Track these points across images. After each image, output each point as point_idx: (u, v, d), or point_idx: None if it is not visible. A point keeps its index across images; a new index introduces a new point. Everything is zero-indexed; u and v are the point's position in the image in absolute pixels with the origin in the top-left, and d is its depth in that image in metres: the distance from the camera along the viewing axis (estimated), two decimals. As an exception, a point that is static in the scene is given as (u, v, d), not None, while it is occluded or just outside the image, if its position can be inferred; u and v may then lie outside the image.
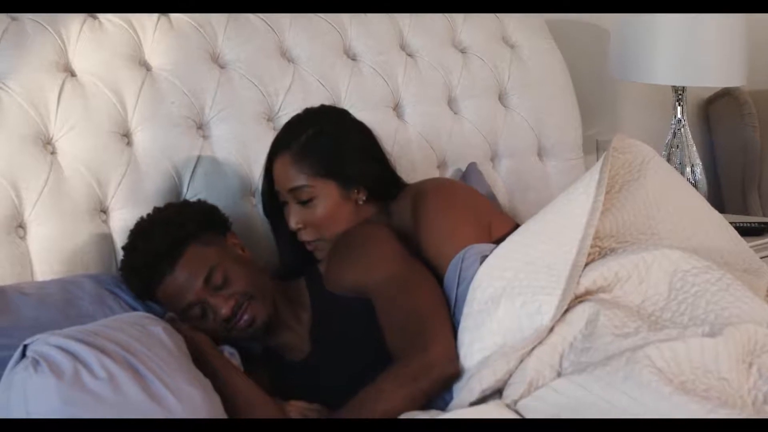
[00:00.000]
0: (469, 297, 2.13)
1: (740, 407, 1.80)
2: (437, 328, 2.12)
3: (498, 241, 2.22)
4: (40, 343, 1.94)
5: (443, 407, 2.04)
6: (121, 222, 2.40)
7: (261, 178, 2.49)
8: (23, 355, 1.94)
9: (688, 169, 3.35)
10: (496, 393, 1.99)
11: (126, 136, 2.47)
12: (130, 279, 2.28)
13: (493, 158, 3.08)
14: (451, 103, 3.02)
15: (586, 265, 2.10)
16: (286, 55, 2.75)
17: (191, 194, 2.50)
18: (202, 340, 2.19)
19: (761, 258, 2.40)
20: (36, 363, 1.90)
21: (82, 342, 1.94)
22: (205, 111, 2.58)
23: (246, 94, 2.64)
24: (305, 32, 2.78)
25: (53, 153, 2.37)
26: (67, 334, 1.97)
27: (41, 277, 2.31)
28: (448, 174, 2.95)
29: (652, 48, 3.20)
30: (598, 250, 2.19)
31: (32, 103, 2.34)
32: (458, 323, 2.14)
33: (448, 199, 2.36)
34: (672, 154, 3.36)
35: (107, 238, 2.40)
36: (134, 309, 2.27)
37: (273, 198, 2.44)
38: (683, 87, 3.35)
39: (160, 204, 2.38)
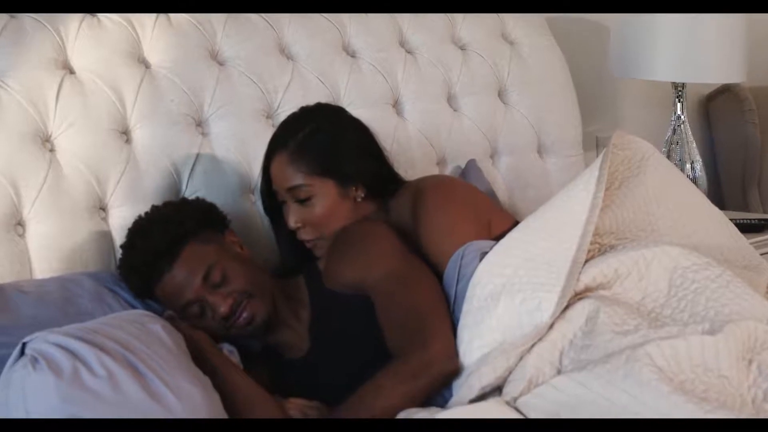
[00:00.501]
0: (468, 294, 2.13)
1: (739, 406, 1.80)
2: (437, 325, 2.12)
3: (497, 238, 2.22)
4: (39, 341, 1.93)
5: (442, 404, 2.04)
6: (120, 219, 2.40)
7: (260, 176, 2.49)
8: (22, 353, 1.93)
9: (688, 166, 3.35)
10: (496, 390, 1.99)
11: (125, 134, 2.47)
12: (128, 277, 2.28)
13: (493, 155, 3.07)
14: (450, 100, 3.01)
15: (586, 261, 2.10)
16: (285, 52, 2.75)
17: (190, 192, 2.50)
18: (201, 338, 2.19)
19: (761, 255, 2.40)
20: (35, 361, 1.90)
21: (81, 340, 1.94)
22: (204, 108, 2.58)
23: (245, 91, 2.64)
24: (304, 29, 2.78)
25: (52, 150, 2.36)
26: (66, 332, 1.96)
27: (40, 274, 2.31)
28: (448, 171, 2.95)
29: (652, 45, 3.20)
30: (597, 247, 2.19)
31: (31, 101, 2.34)
32: (457, 320, 2.14)
33: (447, 196, 2.36)
34: (672, 150, 3.35)
35: (106, 236, 2.40)
36: (133, 307, 2.27)
37: (271, 197, 2.44)
38: (683, 83, 3.35)
39: (159, 201, 2.38)
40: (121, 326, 2.02)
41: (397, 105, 2.91)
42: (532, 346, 1.99)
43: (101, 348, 1.93)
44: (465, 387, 1.99)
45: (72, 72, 2.42)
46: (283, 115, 2.57)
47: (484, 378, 1.98)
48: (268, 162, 2.42)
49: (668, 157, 3.30)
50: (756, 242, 3.08)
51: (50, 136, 2.37)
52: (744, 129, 3.91)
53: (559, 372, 1.95)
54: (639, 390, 1.78)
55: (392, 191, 2.44)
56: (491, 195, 2.78)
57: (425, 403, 2.04)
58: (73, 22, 2.43)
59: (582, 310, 2.01)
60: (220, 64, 2.63)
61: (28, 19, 2.38)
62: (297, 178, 2.37)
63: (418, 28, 2.99)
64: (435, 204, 2.32)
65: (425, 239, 2.29)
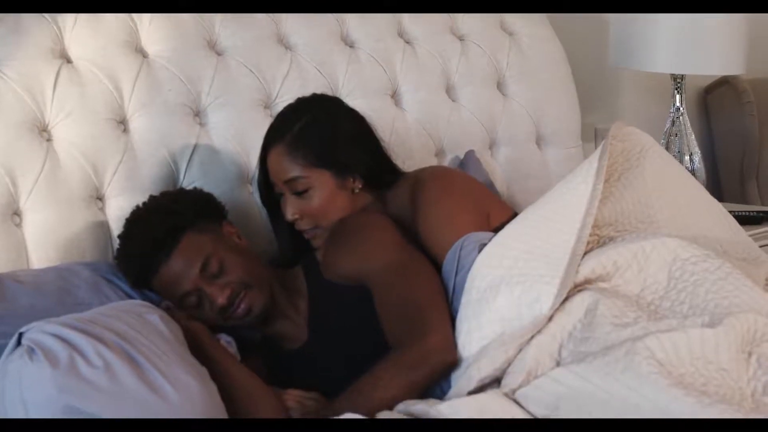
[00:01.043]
0: (467, 285, 2.13)
1: (739, 400, 1.79)
2: (435, 316, 2.11)
3: (496, 230, 2.22)
4: (36, 331, 1.93)
5: (441, 396, 2.04)
6: (118, 209, 2.39)
7: (257, 167, 2.48)
8: (19, 343, 1.93)
9: (687, 158, 3.34)
10: (495, 382, 1.99)
11: (122, 124, 2.46)
12: (126, 267, 2.27)
13: (492, 146, 3.07)
14: (449, 90, 3.01)
15: (585, 253, 2.10)
16: (283, 42, 2.74)
17: (188, 182, 2.50)
18: (199, 328, 2.18)
19: (760, 247, 2.39)
20: (31, 351, 1.90)
21: (78, 330, 1.93)
22: (201, 98, 2.57)
23: (243, 81, 2.63)
24: (303, 19, 2.77)
25: (49, 140, 2.36)
26: (63, 322, 1.96)
27: (37, 264, 2.30)
28: (446, 162, 2.94)
29: (652, 36, 3.20)
30: (596, 239, 2.18)
31: (28, 90, 2.33)
32: (456, 312, 2.13)
33: (446, 187, 2.35)
34: (670, 142, 3.35)
35: (103, 226, 2.40)
36: (130, 297, 2.26)
37: (269, 188, 2.43)
38: (682, 75, 3.35)
39: (157, 192, 2.38)
40: (118, 316, 2.01)
41: (395, 95, 2.90)
42: (531, 338, 1.98)
43: (98, 338, 1.93)
44: (464, 378, 1.99)
45: (69, 61, 2.41)
46: (281, 105, 2.56)
47: (483, 370, 1.98)
48: (265, 154, 2.41)
49: (667, 148, 3.29)
50: (754, 234, 3.08)
51: (47, 126, 2.36)
52: (743, 121, 3.91)
53: (558, 364, 1.95)
54: (638, 383, 1.78)
55: (390, 182, 2.43)
56: (490, 186, 2.78)
57: (423, 395, 2.03)
58: (70, 11, 2.43)
59: (581, 302, 2.00)
60: (218, 53, 2.63)
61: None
62: (294, 171, 2.36)
63: (417, 18, 2.98)
64: (434, 195, 2.32)
65: (424, 230, 2.29)
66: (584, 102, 3.29)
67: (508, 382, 1.95)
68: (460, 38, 3.06)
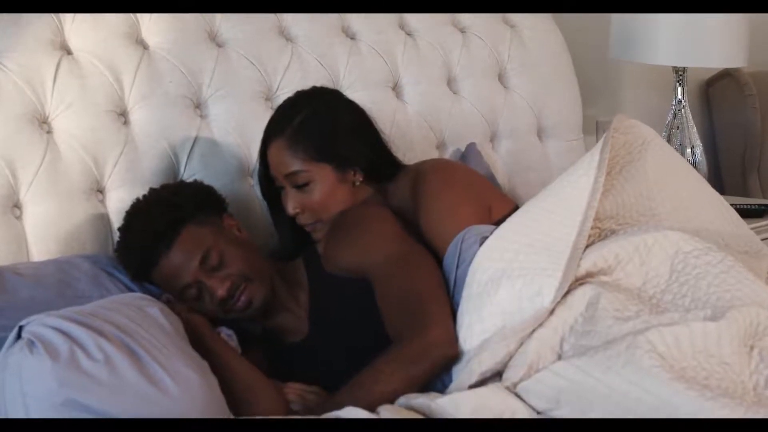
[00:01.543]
0: (468, 279, 2.12)
1: (741, 394, 1.79)
2: (436, 309, 2.11)
3: (498, 223, 2.21)
4: (36, 324, 1.92)
5: (442, 390, 2.03)
6: (118, 202, 2.39)
7: (258, 161, 2.48)
8: (19, 336, 1.92)
9: (689, 151, 3.34)
10: (496, 375, 1.99)
11: (123, 116, 2.45)
12: (126, 260, 2.27)
13: (493, 138, 3.06)
14: (450, 83, 3.00)
15: (587, 246, 2.10)
16: (284, 34, 2.73)
17: (188, 174, 2.49)
18: (199, 321, 2.18)
19: (761, 240, 2.39)
20: (32, 344, 1.89)
21: (78, 323, 1.93)
22: (202, 90, 2.57)
23: (244, 73, 2.62)
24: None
25: (49, 132, 2.35)
26: (63, 315, 1.95)
27: (37, 257, 2.30)
28: (448, 154, 2.93)
29: (653, 29, 3.19)
30: (598, 232, 2.18)
31: (28, 82, 2.32)
32: (457, 305, 2.13)
33: (447, 180, 2.35)
34: (672, 135, 3.35)
35: (104, 218, 2.39)
36: (131, 290, 2.26)
37: (269, 182, 2.42)
38: (684, 68, 3.34)
39: (157, 184, 2.37)
40: (118, 309, 2.01)
41: (396, 88, 2.90)
42: (533, 331, 1.98)
43: (98, 331, 1.92)
44: (465, 372, 1.99)
45: (69, 53, 2.40)
46: (282, 97, 2.56)
47: (484, 363, 1.97)
48: (265, 148, 2.40)
49: (668, 141, 3.29)
50: (756, 227, 3.08)
51: (47, 118, 2.35)
52: (744, 114, 3.91)
53: (559, 358, 1.95)
54: (640, 376, 1.78)
55: (391, 175, 2.43)
56: (491, 179, 2.77)
57: (424, 389, 2.03)
58: (70, 3, 2.42)
59: (583, 295, 2.00)
60: (219, 45, 2.62)
61: None
62: (294, 164, 2.35)
63: (418, 10, 2.98)
64: (435, 187, 2.31)
65: (425, 223, 2.28)
66: (586, 94, 3.29)
67: (510, 376, 1.95)
68: (462, 30, 3.05)
